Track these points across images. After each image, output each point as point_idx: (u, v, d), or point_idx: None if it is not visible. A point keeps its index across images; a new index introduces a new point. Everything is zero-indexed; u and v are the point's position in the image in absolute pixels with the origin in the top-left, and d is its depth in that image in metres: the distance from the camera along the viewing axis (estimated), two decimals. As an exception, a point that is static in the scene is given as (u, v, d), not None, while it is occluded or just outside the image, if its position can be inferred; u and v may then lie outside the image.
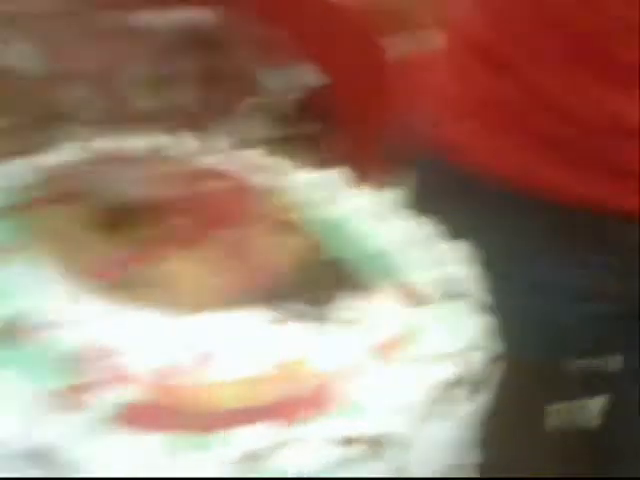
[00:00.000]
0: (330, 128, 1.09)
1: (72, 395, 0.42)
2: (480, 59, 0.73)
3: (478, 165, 0.71)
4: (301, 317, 0.48)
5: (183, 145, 0.64)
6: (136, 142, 0.64)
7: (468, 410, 0.46)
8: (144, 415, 0.42)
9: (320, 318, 0.49)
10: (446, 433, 0.45)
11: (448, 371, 0.45)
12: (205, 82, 1.07)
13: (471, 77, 0.74)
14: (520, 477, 0.58)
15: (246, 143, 0.70)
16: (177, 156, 0.63)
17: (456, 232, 0.53)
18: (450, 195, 0.69)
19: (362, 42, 1.10)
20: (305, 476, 0.41)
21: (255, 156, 0.63)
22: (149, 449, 0.40)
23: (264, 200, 0.58)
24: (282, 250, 0.53)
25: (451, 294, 0.50)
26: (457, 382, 0.45)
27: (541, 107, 0.70)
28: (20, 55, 1.03)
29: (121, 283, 0.48)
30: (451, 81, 0.77)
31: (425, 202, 0.55)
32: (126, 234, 0.51)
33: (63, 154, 0.61)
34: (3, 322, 0.46)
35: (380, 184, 0.59)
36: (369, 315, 0.49)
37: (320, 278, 0.52)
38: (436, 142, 0.74)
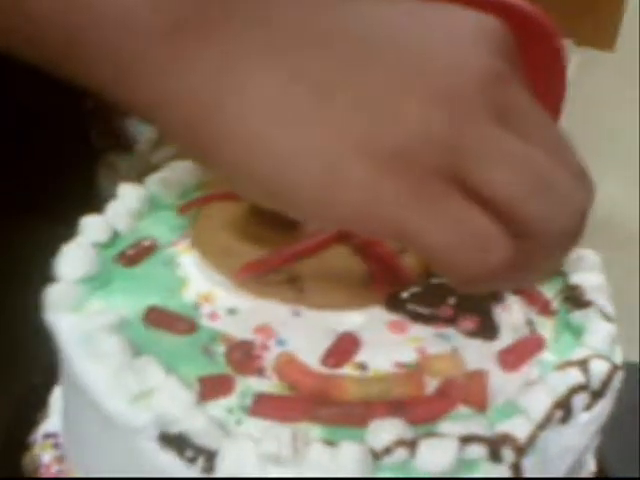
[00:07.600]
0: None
1: (214, 383, 0.44)
2: None
3: None
4: (435, 320, 0.50)
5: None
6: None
7: (588, 418, 0.46)
8: (279, 405, 0.44)
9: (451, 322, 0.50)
10: (565, 439, 0.45)
11: (570, 378, 0.46)
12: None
13: None
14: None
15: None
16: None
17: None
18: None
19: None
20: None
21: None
22: (282, 440, 0.41)
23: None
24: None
25: (575, 302, 0.51)
26: (578, 389, 0.46)
27: None
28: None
29: (266, 279, 0.50)
30: None
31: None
32: (275, 235, 0.52)
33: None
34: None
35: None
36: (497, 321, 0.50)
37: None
38: None
